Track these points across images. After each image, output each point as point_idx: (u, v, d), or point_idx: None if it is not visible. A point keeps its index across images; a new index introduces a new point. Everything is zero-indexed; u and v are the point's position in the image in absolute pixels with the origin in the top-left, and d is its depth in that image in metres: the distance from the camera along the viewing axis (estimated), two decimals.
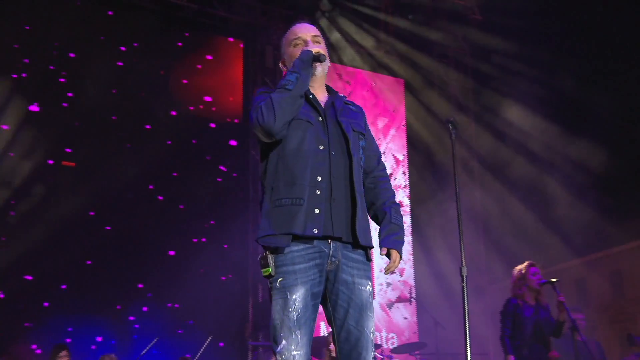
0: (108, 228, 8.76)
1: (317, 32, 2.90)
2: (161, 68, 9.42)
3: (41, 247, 8.34)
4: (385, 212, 2.83)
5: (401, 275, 9.89)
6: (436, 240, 9.79)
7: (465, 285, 3.27)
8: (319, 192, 2.61)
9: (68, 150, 8.85)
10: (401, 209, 9.63)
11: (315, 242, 2.61)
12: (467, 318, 3.15)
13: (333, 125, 2.76)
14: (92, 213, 8.73)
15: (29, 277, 8.24)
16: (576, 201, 11.03)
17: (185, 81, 9.53)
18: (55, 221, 8.52)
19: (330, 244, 2.63)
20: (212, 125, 9.69)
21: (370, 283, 2.72)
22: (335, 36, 10.21)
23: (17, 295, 8.14)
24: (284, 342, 2.54)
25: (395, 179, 10.34)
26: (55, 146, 8.79)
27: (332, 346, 6.62)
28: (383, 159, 10.45)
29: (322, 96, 2.86)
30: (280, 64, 2.97)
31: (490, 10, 10.32)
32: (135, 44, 9.36)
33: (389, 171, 10.23)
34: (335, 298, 2.66)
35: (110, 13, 9.27)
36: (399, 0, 10.24)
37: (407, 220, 10.17)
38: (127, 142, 9.15)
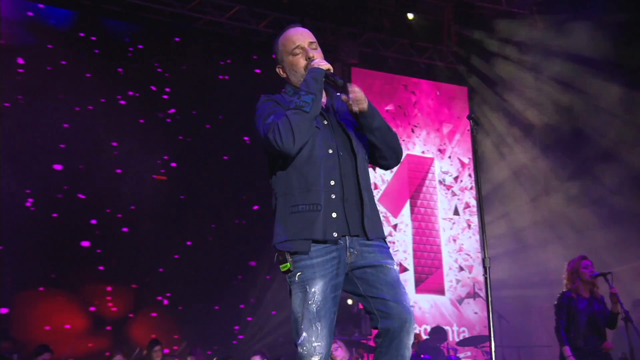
0: (210, 239, 9.09)
1: (313, 38, 2.81)
2: (257, 81, 9.62)
3: (149, 263, 8.68)
4: None
5: (470, 272, 10.01)
6: (503, 239, 9.81)
7: (488, 276, 3.21)
8: (333, 196, 2.58)
9: (173, 164, 9.20)
10: (468, 209, 9.56)
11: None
12: (490, 308, 3.10)
13: (337, 127, 2.72)
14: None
15: (135, 286, 8.60)
16: None
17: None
18: (166, 236, 8.86)
19: (346, 237, 2.59)
20: None
21: (395, 262, 2.68)
22: (400, 48, 10.34)
23: (128, 307, 8.54)
24: (304, 334, 2.48)
25: (461, 180, 10.42)
26: (159, 159, 9.11)
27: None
28: (449, 162, 10.40)
29: (323, 99, 2.78)
30: (279, 70, 2.87)
31: (552, 16, 10.02)
32: (229, 60, 9.73)
33: (454, 174, 10.37)
34: (365, 281, 2.60)
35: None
36: (460, 11, 10.26)
37: (474, 220, 10.29)
38: (225, 154, 9.48)
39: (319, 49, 2.79)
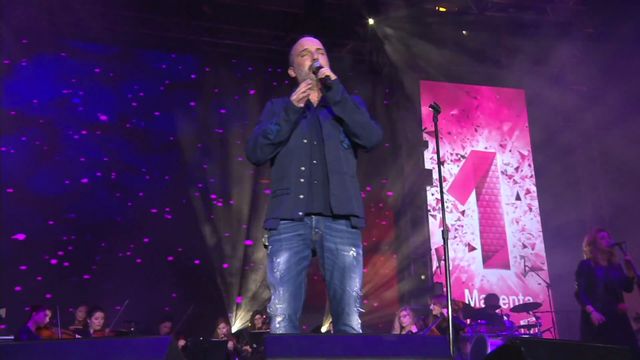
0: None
1: (321, 46, 2.92)
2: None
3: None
4: None
5: (532, 249, 10.26)
6: (561, 220, 9.96)
7: (446, 246, 3.27)
8: (302, 180, 2.66)
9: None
10: (529, 195, 9.96)
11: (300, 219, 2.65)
12: (448, 275, 3.22)
13: (315, 120, 2.79)
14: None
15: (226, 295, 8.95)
16: None
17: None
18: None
19: (312, 218, 2.66)
20: (387, 145, 10.32)
21: (354, 249, 2.68)
22: (461, 56, 10.43)
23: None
24: (272, 297, 2.60)
25: (521, 170, 10.59)
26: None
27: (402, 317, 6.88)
28: (510, 155, 10.85)
29: (316, 96, 2.88)
30: (290, 71, 2.96)
31: (602, 21, 9.91)
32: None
33: (515, 165, 10.66)
34: (323, 262, 2.69)
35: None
36: (515, 20, 10.21)
37: (534, 204, 10.46)
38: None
39: (324, 55, 2.89)
